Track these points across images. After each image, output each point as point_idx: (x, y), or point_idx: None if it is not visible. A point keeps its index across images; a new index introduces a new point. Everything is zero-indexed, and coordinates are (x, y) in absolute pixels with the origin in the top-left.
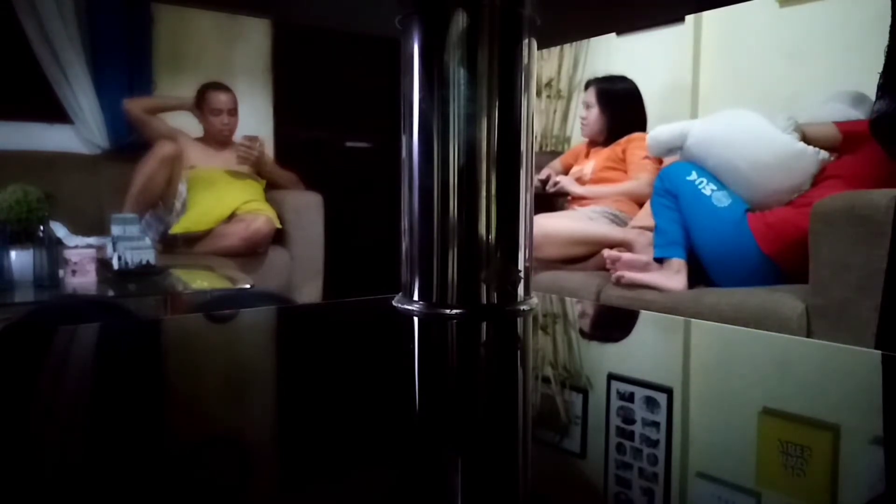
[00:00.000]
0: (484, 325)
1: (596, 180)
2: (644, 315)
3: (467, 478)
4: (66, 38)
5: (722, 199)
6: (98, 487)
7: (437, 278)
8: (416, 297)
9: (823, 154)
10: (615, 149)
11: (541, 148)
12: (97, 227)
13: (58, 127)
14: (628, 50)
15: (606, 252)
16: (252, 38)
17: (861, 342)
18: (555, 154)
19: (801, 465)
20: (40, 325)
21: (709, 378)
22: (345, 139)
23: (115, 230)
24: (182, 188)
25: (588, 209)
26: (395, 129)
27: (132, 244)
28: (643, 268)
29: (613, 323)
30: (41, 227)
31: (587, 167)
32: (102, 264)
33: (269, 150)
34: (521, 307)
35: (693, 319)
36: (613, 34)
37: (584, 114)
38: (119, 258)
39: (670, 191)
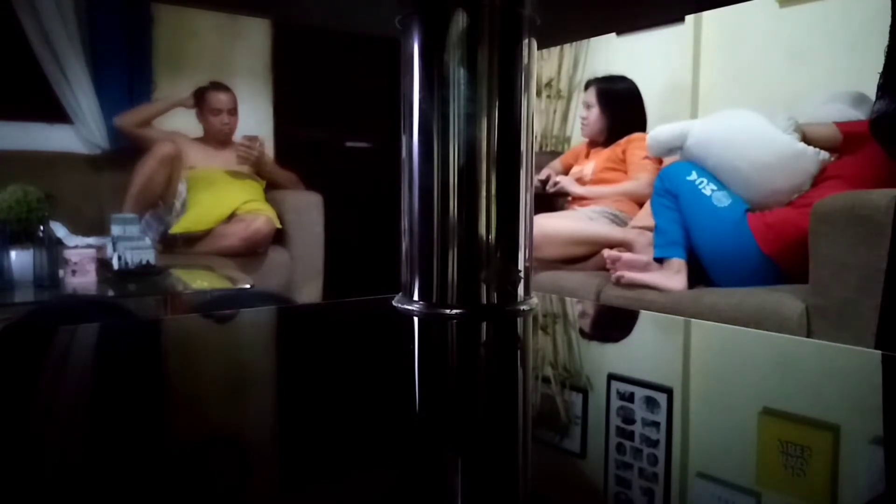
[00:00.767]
0: (484, 325)
1: (596, 180)
2: (644, 315)
3: (467, 478)
4: (65, 38)
5: (722, 199)
6: (98, 487)
7: (437, 278)
8: (416, 297)
9: (823, 154)
10: (615, 149)
11: (541, 148)
12: (97, 227)
13: (58, 127)
14: (628, 50)
15: (606, 252)
16: (252, 38)
17: (861, 342)
18: (555, 154)
19: (801, 465)
20: (40, 325)
21: (709, 378)
22: (345, 139)
23: (115, 230)
24: (182, 188)
25: (588, 209)
26: (395, 129)
27: (132, 244)
28: (643, 268)
29: (613, 323)
30: (41, 227)
31: (587, 167)
32: (102, 264)
33: (269, 150)
34: (521, 307)
35: (693, 319)
36: (613, 34)
37: (584, 114)
38: (119, 258)
39: (670, 191)
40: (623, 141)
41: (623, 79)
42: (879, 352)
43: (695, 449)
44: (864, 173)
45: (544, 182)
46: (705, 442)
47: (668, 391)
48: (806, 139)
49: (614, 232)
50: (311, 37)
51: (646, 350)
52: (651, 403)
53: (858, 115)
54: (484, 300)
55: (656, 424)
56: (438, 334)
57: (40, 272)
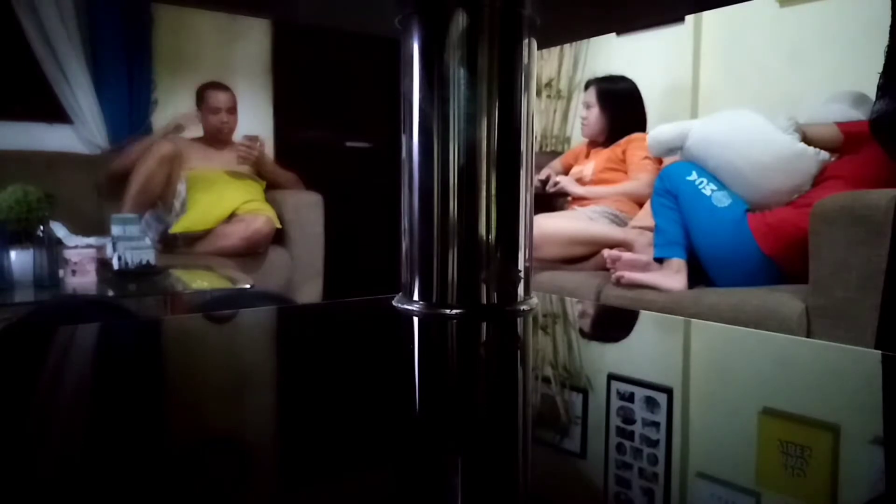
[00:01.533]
0: (484, 325)
1: (596, 180)
2: (644, 315)
3: (467, 478)
4: (65, 38)
5: (722, 200)
6: (98, 487)
7: (437, 278)
8: (416, 297)
9: (824, 154)
10: (615, 149)
11: (541, 148)
12: (97, 227)
13: (58, 127)
14: (628, 50)
15: (607, 252)
16: (252, 38)
17: (861, 342)
18: (555, 154)
19: (801, 465)
20: (40, 325)
21: (709, 378)
22: (345, 139)
23: (115, 230)
24: (181, 188)
25: (588, 209)
26: (395, 129)
27: (132, 244)
28: (644, 268)
29: (613, 323)
30: (41, 227)
31: (587, 167)
32: (102, 264)
33: (269, 150)
34: (521, 307)
35: (693, 319)
36: (613, 34)
37: (584, 114)
38: (119, 258)
39: (670, 191)
40: (623, 141)
41: (623, 79)
42: (879, 352)
43: (695, 449)
44: (864, 173)
45: (544, 182)
46: (705, 442)
47: (668, 391)
48: (806, 139)
49: (614, 232)
50: (311, 37)
51: (646, 350)
52: (651, 403)
53: (858, 115)
54: (484, 300)
55: (656, 424)
56: (438, 334)
57: (40, 272)
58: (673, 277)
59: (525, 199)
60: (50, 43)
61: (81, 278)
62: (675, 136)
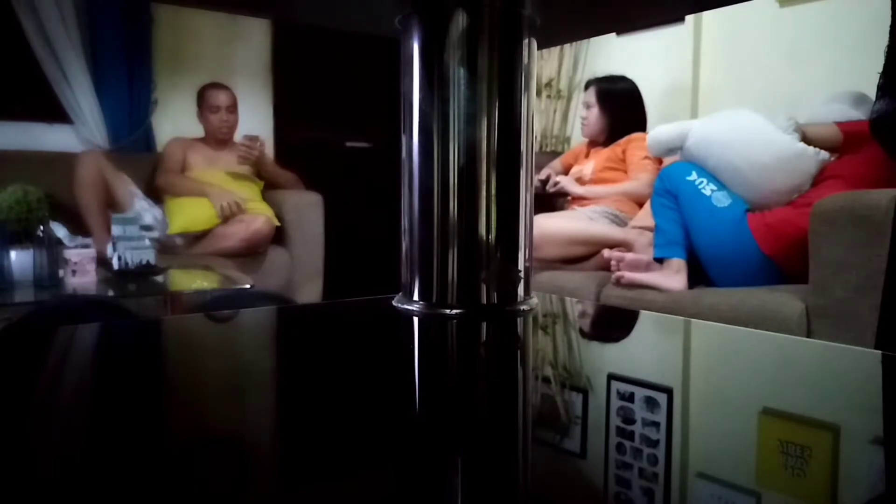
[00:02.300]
0: (484, 325)
1: (596, 180)
2: (644, 315)
3: (467, 478)
4: (65, 38)
5: (722, 200)
6: (98, 487)
7: (437, 278)
8: (416, 297)
9: (823, 154)
10: (615, 149)
11: (541, 148)
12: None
13: (58, 127)
14: (628, 50)
15: (609, 252)
16: (252, 38)
17: (861, 342)
18: (555, 154)
19: (801, 465)
20: (40, 325)
21: (709, 378)
22: (345, 139)
23: (115, 230)
24: (133, 189)
25: (588, 209)
26: (395, 129)
27: (132, 244)
28: (644, 268)
29: (613, 323)
30: (41, 227)
31: (587, 167)
32: (102, 264)
33: (269, 150)
34: (521, 307)
35: (693, 319)
36: (613, 34)
37: (584, 114)
38: (119, 258)
39: (670, 191)
40: (623, 141)
41: (623, 79)
42: (879, 352)
43: (695, 449)
44: (864, 173)
45: (544, 182)
46: (705, 442)
47: (668, 391)
48: (806, 139)
49: (614, 232)
50: (311, 37)
51: (646, 350)
52: (651, 403)
53: (859, 115)
54: (484, 300)
55: (656, 424)
56: (438, 334)
57: (40, 272)
58: (673, 277)
59: (525, 199)
60: (50, 43)
61: (81, 278)
62: (675, 135)
